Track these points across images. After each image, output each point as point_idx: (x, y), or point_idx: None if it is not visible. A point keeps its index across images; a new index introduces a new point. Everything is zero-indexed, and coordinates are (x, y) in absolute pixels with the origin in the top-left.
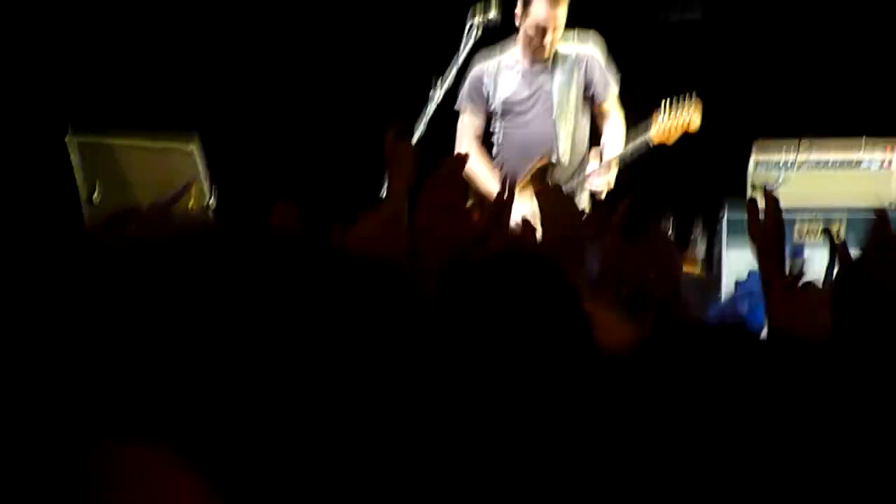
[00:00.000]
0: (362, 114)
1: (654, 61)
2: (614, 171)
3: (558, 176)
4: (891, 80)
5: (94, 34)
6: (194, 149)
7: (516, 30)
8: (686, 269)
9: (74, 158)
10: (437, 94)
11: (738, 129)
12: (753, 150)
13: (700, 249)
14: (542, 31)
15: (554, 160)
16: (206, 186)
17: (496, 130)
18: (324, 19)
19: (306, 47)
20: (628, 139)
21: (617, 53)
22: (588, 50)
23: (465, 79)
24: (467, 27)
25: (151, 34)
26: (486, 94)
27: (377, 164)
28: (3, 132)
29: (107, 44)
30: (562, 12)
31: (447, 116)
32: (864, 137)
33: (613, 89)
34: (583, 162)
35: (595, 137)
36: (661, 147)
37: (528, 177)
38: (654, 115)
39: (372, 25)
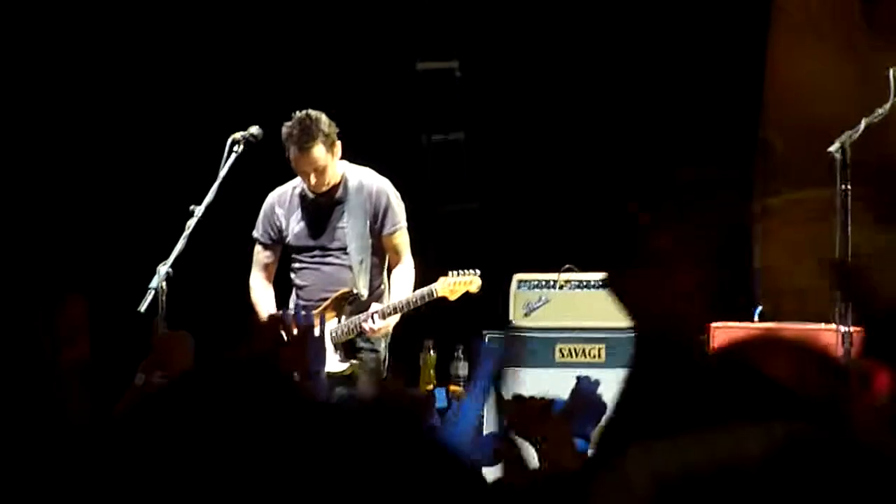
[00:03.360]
0: (123, 243)
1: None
2: (396, 316)
3: (355, 307)
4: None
5: None
6: None
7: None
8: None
9: None
10: (196, 217)
11: (498, 263)
12: (514, 278)
13: (462, 369)
14: (303, 172)
15: (354, 291)
16: None
17: (294, 264)
18: (84, 142)
19: (70, 168)
20: (415, 287)
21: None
22: (378, 182)
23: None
24: (228, 144)
25: None
26: (278, 225)
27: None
28: None
29: None
30: (316, 153)
31: (215, 229)
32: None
33: (401, 228)
34: (373, 296)
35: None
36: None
37: (329, 303)
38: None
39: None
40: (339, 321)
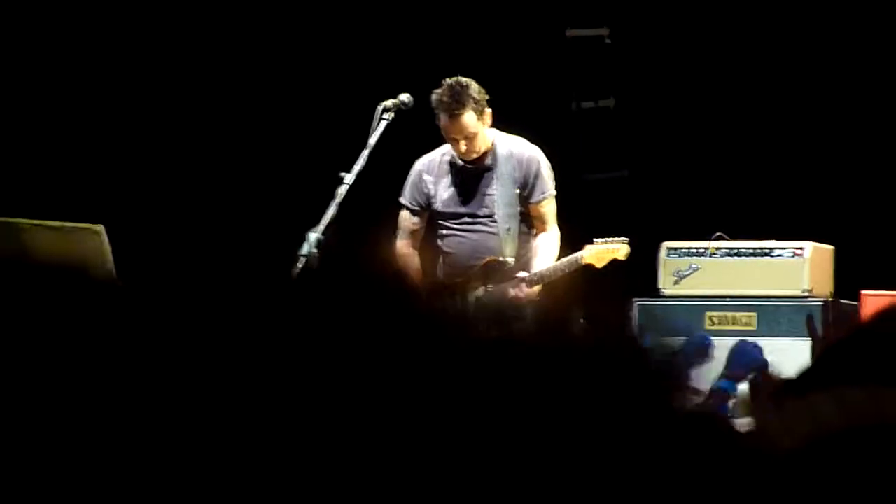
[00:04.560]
0: (272, 211)
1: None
2: (540, 286)
3: (502, 275)
4: (797, 186)
5: None
6: (102, 230)
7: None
8: None
9: None
10: (346, 184)
11: (646, 231)
12: (662, 245)
13: None
14: (452, 139)
15: (501, 259)
16: (113, 269)
17: (440, 231)
18: (230, 114)
19: (214, 139)
20: (560, 256)
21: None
22: (529, 150)
23: (396, 169)
24: (378, 111)
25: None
26: (426, 192)
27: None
28: None
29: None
30: (466, 119)
31: (367, 194)
32: (772, 241)
33: (550, 196)
34: (519, 264)
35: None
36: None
37: (477, 271)
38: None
39: (279, 123)
40: (486, 289)
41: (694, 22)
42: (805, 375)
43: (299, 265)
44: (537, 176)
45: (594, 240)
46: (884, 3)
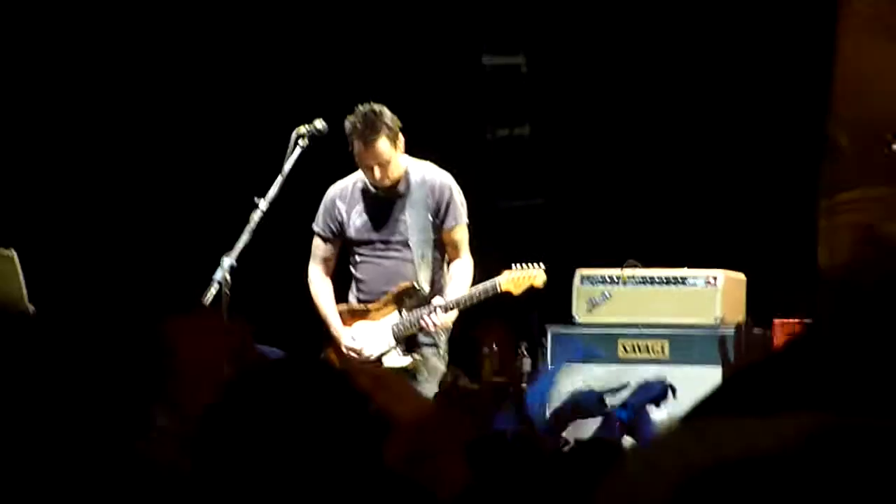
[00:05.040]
0: (186, 234)
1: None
2: (455, 312)
3: (416, 301)
4: (711, 215)
5: None
6: (13, 255)
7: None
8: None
9: None
10: (260, 210)
11: (562, 259)
12: (577, 273)
13: (526, 364)
14: (366, 166)
15: (416, 286)
16: (23, 295)
17: (354, 257)
18: (146, 137)
19: (130, 161)
20: (474, 283)
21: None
22: (441, 177)
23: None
24: (293, 137)
25: None
26: (339, 219)
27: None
28: None
29: None
30: (381, 146)
31: (279, 224)
32: (685, 269)
33: (463, 224)
34: (433, 290)
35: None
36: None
37: (390, 297)
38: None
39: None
40: (401, 315)
41: (609, 51)
42: (709, 400)
43: (212, 290)
44: (450, 203)
45: (512, 266)
46: (795, 32)
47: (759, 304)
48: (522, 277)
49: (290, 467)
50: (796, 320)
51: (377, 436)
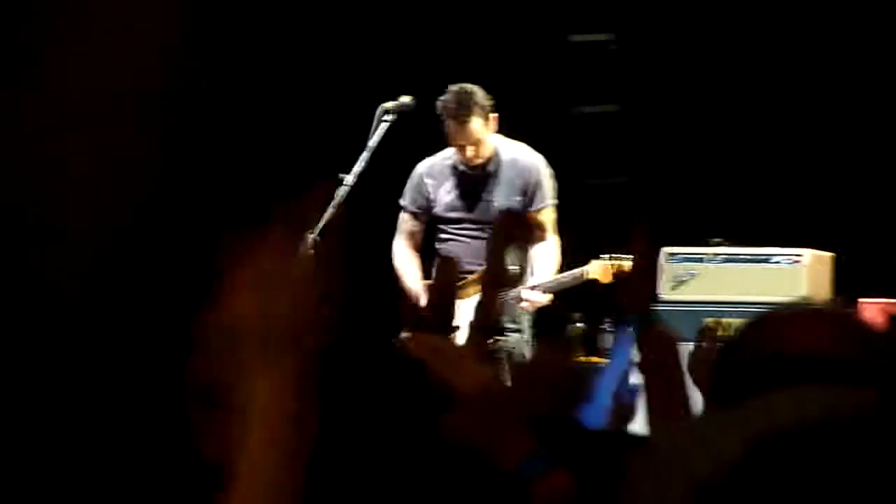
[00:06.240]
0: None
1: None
2: (550, 295)
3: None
4: (798, 193)
5: None
6: None
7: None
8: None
9: None
10: (346, 184)
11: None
12: (662, 251)
13: (609, 340)
14: (459, 145)
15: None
16: None
17: (440, 235)
18: (230, 113)
19: (217, 137)
20: (563, 269)
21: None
22: (531, 158)
23: (395, 171)
24: (379, 113)
25: None
26: (427, 195)
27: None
28: None
29: None
30: (474, 125)
31: (370, 195)
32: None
33: (550, 206)
34: (523, 273)
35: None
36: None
37: (474, 277)
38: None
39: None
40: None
41: (698, 28)
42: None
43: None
44: (538, 184)
45: (600, 255)
46: (883, 10)
47: (849, 285)
48: (612, 266)
49: (361, 438)
50: (884, 300)
51: (437, 408)
